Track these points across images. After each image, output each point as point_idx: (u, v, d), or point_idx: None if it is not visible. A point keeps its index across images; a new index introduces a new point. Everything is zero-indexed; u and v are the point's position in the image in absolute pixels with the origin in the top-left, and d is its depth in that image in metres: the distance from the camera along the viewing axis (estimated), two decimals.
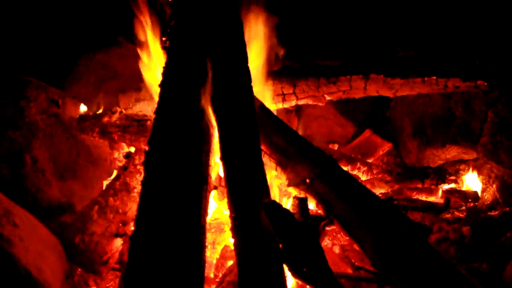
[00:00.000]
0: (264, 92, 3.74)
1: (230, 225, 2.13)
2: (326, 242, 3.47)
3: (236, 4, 3.06)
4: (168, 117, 2.32)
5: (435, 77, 3.96)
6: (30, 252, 2.36)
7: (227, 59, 2.73)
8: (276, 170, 2.98)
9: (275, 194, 3.19)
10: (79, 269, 3.00)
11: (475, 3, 4.09)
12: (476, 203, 3.99)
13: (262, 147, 2.69)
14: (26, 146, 3.31)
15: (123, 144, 4.06)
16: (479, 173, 4.22)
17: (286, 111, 5.01)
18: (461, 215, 3.76)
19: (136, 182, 3.30)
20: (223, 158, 2.32)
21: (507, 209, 3.64)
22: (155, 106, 2.43)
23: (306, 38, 4.53)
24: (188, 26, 2.82)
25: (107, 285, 3.15)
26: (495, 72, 3.81)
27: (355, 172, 4.25)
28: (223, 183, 2.29)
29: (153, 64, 3.46)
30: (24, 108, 3.41)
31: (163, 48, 3.01)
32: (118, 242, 3.10)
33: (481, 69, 3.84)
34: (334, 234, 3.51)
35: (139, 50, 3.47)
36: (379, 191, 4.05)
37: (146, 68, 3.51)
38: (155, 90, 3.10)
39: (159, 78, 2.60)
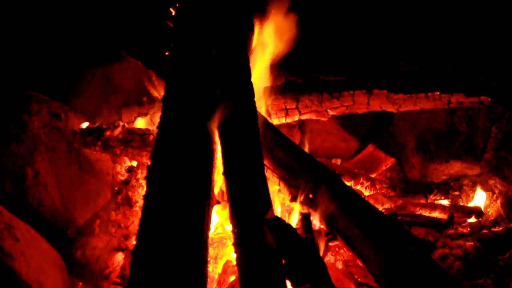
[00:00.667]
0: (266, 107, 3.74)
1: (232, 240, 2.11)
2: (329, 258, 3.45)
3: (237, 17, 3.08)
4: (171, 131, 2.32)
5: (438, 93, 3.94)
6: (31, 267, 2.35)
7: (229, 74, 2.73)
8: (279, 185, 2.96)
9: (278, 209, 3.17)
10: (80, 283, 2.97)
11: (479, 19, 4.10)
12: (480, 219, 3.97)
13: (265, 162, 2.68)
14: (28, 160, 3.30)
15: (125, 158, 4.05)
16: (483, 189, 4.20)
17: (289, 125, 5.00)
18: (464, 231, 3.75)
19: (138, 196, 3.29)
20: (225, 173, 2.31)
21: (511, 225, 3.62)
22: (158, 120, 2.42)
23: (310, 53, 4.55)
24: (190, 41, 2.83)
25: None
26: (499, 88, 3.80)
27: (358, 187, 4.24)
28: (225, 198, 2.28)
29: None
30: (27, 122, 3.41)
31: (165, 62, 3.02)
32: (120, 256, 3.08)
33: (485, 85, 3.83)
34: (337, 249, 3.49)
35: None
36: (382, 206, 4.03)
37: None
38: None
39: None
